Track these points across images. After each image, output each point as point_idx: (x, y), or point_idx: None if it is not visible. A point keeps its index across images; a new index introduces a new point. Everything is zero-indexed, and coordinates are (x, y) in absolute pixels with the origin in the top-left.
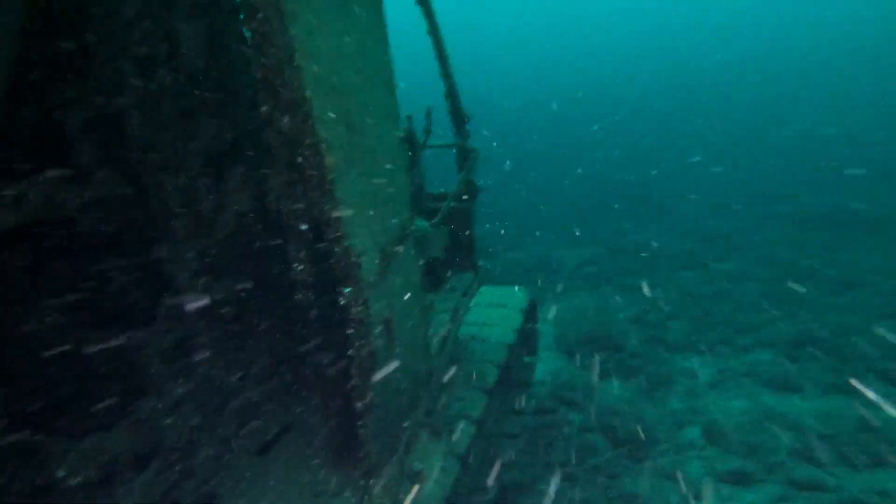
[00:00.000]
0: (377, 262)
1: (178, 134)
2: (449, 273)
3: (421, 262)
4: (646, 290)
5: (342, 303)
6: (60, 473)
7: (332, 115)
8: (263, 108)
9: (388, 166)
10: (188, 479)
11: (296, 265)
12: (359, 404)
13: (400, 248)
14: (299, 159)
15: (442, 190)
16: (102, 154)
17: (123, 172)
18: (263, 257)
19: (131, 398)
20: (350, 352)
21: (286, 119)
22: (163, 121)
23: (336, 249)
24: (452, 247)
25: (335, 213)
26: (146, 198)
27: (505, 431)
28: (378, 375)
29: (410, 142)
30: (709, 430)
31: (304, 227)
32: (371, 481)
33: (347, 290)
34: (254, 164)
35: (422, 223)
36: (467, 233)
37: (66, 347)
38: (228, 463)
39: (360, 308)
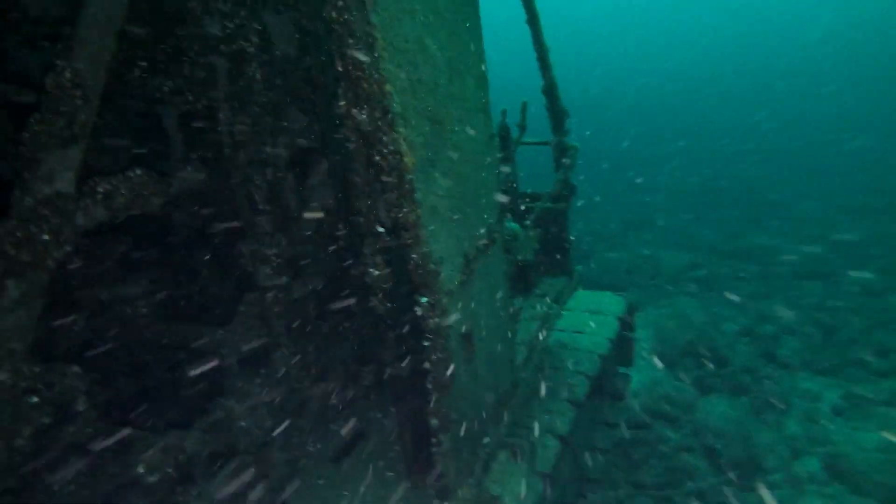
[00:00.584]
0: (459, 268)
1: (267, 128)
2: (540, 277)
3: (509, 266)
4: (760, 299)
5: (418, 313)
6: (140, 469)
7: (414, 110)
8: (342, 103)
9: (476, 165)
10: (262, 481)
11: (371, 269)
12: (434, 421)
13: (485, 254)
14: (377, 157)
15: (535, 190)
16: (193, 149)
17: (212, 167)
18: (345, 258)
19: (210, 397)
20: (426, 365)
21: (364, 114)
22: (252, 115)
23: (413, 255)
24: (545, 249)
25: (413, 217)
26: (233, 193)
27: (593, 445)
28: (455, 391)
29: (503, 138)
30: (833, 464)
31: (380, 229)
32: (445, 502)
33: (424, 299)
34: (339, 160)
35: (512, 225)
36: (562, 235)
37: (151, 341)
38: (303, 468)
39: (437, 319)
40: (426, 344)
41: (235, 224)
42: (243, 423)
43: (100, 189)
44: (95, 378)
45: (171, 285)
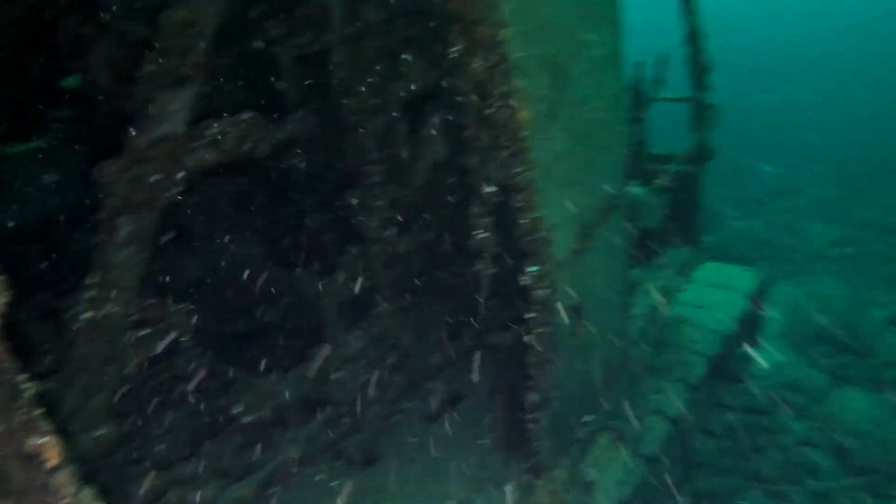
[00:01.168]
0: (573, 236)
1: (381, 74)
2: (664, 246)
3: (630, 234)
4: None
5: (525, 282)
6: (238, 409)
7: (534, 59)
8: (455, 49)
9: (602, 123)
10: (353, 434)
11: (477, 232)
12: (532, 396)
13: (604, 221)
14: (490, 110)
15: (667, 150)
16: (305, 93)
17: (324, 113)
18: (455, 215)
19: (307, 344)
20: (529, 338)
21: (478, 62)
22: (366, 59)
23: (523, 220)
24: (672, 216)
25: (526, 178)
26: (343, 140)
27: (704, 427)
28: (559, 367)
29: (635, 93)
30: None
31: (489, 189)
32: (537, 481)
33: (532, 268)
34: (454, 110)
35: (637, 190)
36: (692, 201)
37: (258, 283)
38: (395, 425)
39: (545, 290)
40: (531, 316)
41: (344, 172)
42: (339, 374)
43: (210, 131)
44: (202, 315)
45: (279, 230)
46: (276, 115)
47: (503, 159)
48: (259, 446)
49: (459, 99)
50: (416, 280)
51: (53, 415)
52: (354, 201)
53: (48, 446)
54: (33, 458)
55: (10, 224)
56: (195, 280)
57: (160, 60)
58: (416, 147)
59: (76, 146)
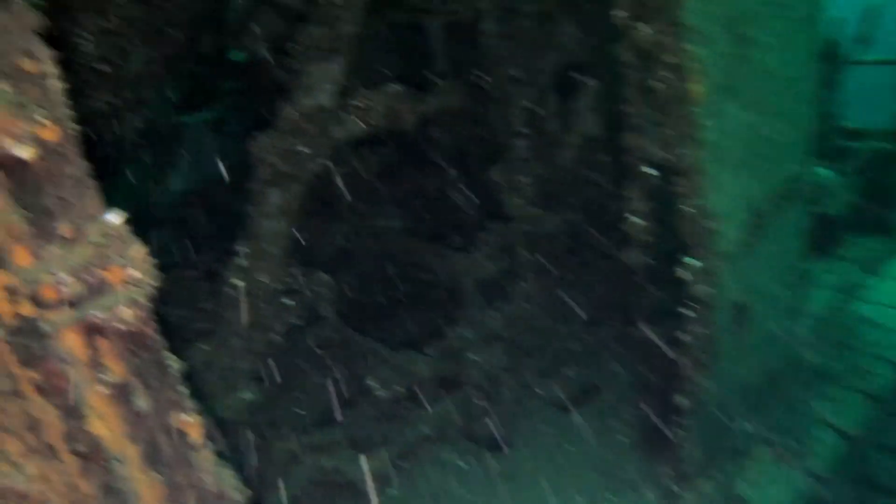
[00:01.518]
0: (743, 227)
1: (533, 42)
2: (850, 236)
3: (810, 223)
4: None
5: (684, 276)
6: (371, 382)
7: (712, 22)
8: (619, 12)
9: (788, 95)
10: (485, 416)
11: (631, 217)
12: (682, 400)
13: (781, 209)
14: (655, 82)
15: (862, 125)
16: (453, 64)
17: (472, 84)
18: (605, 196)
19: (444, 322)
20: (684, 336)
21: (647, 27)
22: (518, 27)
23: (686, 207)
24: (863, 202)
25: (692, 159)
26: (490, 113)
27: (887, 445)
28: (716, 371)
29: (829, 56)
30: None
31: (649, 170)
32: (681, 490)
33: (693, 261)
34: (611, 80)
35: (823, 172)
36: (889, 185)
37: (398, 257)
38: (529, 410)
39: (706, 286)
40: (688, 313)
41: (490, 148)
42: (474, 355)
43: (358, 103)
44: (343, 287)
45: (423, 203)
46: (423, 87)
47: (667, 138)
48: (392, 421)
49: (620, 69)
50: (559, 262)
51: (205, 375)
52: (498, 177)
53: (193, 424)
54: (180, 434)
55: (184, 187)
56: (339, 251)
57: (311, 33)
58: (566, 121)
59: (243, 117)
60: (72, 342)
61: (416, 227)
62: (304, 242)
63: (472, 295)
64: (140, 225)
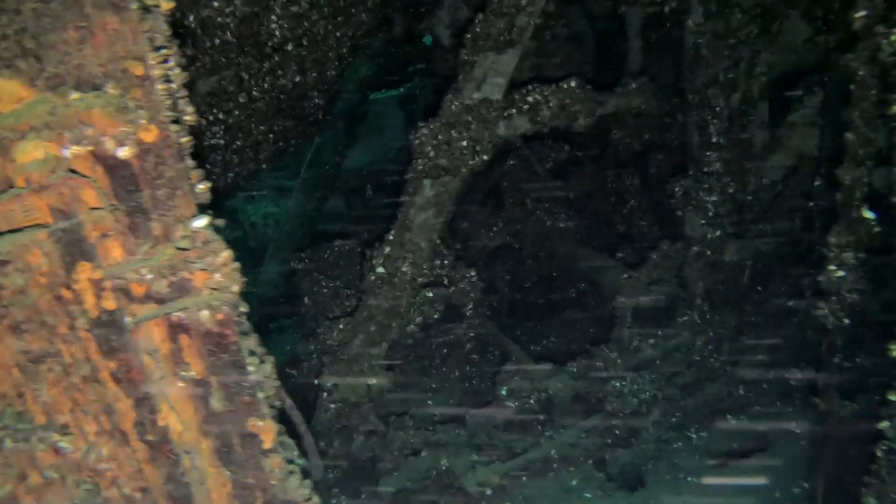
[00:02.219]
0: None
1: (748, 40)
2: None
3: None
4: None
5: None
6: (503, 391)
7: None
8: (860, 13)
9: None
10: (621, 448)
11: (832, 266)
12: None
13: None
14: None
15: None
16: (649, 61)
17: (664, 84)
18: (808, 232)
19: (594, 340)
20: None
21: (890, 33)
22: (731, 21)
23: None
24: None
25: None
26: (683, 119)
27: None
28: None
29: None
30: None
31: (867, 213)
32: None
33: None
34: (841, 94)
35: None
36: None
37: (561, 261)
38: (673, 452)
39: None
40: (893, 400)
41: (676, 156)
42: (620, 384)
43: (528, 98)
44: (496, 285)
45: (598, 209)
46: (608, 85)
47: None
48: (519, 433)
49: (853, 82)
50: (734, 298)
51: (338, 353)
52: (679, 191)
53: (266, 429)
54: (253, 437)
55: (363, 162)
56: (501, 248)
57: (485, 23)
58: (776, 135)
59: (429, 98)
60: (156, 337)
61: (586, 233)
62: (460, 236)
63: (627, 316)
64: (317, 192)
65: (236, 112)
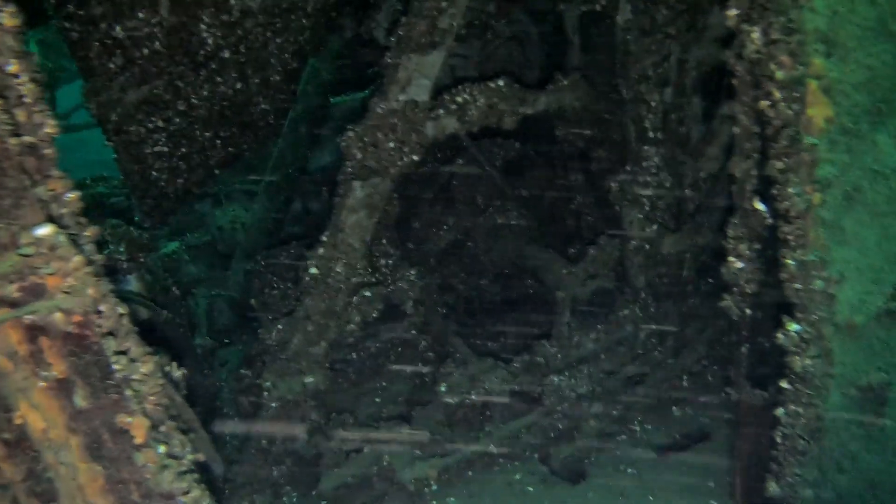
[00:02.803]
0: (878, 296)
1: (677, 35)
2: None
3: None
4: None
5: (783, 343)
6: (441, 387)
7: (848, 27)
8: (730, 11)
9: None
10: (562, 443)
11: (732, 258)
12: (772, 486)
13: None
14: (764, 104)
15: None
16: (587, 56)
17: (598, 81)
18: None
19: (532, 336)
20: (782, 414)
21: (753, 32)
22: (660, 16)
23: (792, 260)
24: None
25: (804, 203)
26: (620, 115)
27: None
28: (821, 466)
29: None
30: None
31: (758, 205)
32: None
33: (795, 327)
34: None
35: None
36: None
37: (507, 259)
38: (616, 446)
39: (810, 360)
40: (786, 387)
41: (617, 151)
42: (558, 379)
43: (457, 99)
44: (441, 284)
45: (545, 205)
46: (541, 84)
47: (777, 171)
48: (460, 428)
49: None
50: (671, 292)
51: (277, 354)
52: (616, 186)
53: (137, 425)
54: (123, 433)
55: (324, 164)
56: (448, 247)
57: (408, 26)
58: (710, 129)
59: None
60: (13, 339)
61: (537, 230)
62: (412, 235)
63: (566, 311)
64: (281, 195)
65: (177, 120)
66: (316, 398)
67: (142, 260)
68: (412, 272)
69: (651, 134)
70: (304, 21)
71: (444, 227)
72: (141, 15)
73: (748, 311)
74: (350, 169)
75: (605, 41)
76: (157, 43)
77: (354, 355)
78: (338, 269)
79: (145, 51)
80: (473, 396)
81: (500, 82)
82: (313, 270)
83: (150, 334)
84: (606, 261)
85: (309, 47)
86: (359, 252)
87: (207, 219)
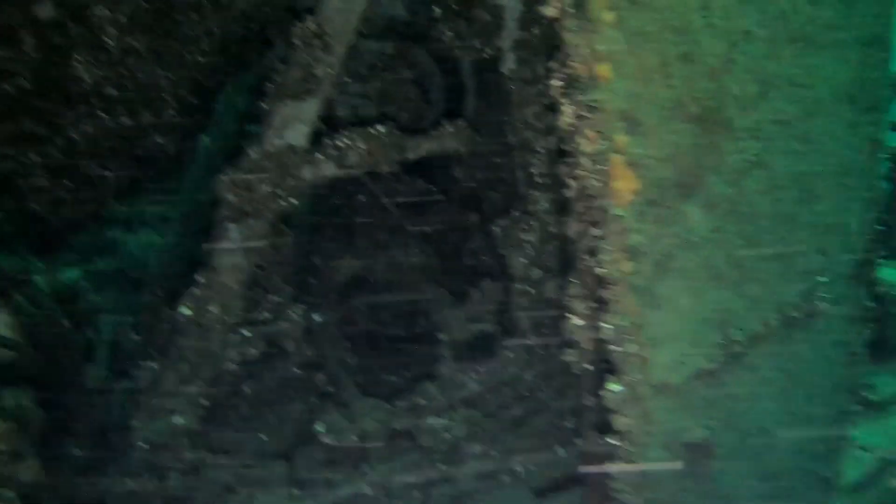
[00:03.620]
0: (702, 354)
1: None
2: None
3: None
4: None
5: (607, 403)
6: (319, 427)
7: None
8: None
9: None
10: (441, 485)
11: (571, 316)
12: None
13: (797, 332)
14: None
15: None
16: (477, 103)
17: (491, 126)
18: None
19: (415, 376)
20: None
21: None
22: (538, 68)
23: (611, 324)
24: None
25: (613, 272)
26: (508, 160)
27: None
28: None
29: None
30: None
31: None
32: None
33: (616, 387)
34: None
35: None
36: None
37: (400, 298)
38: (497, 488)
39: (633, 420)
40: (612, 443)
41: (505, 196)
42: (434, 421)
43: (337, 143)
44: (327, 322)
45: (442, 245)
46: (424, 129)
47: (594, 238)
48: (338, 468)
49: None
50: (551, 333)
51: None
52: (499, 230)
53: None
54: None
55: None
56: (349, 283)
57: (283, 73)
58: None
59: None
60: None
61: (436, 269)
62: (312, 270)
63: (448, 352)
64: (193, 223)
65: (56, 154)
66: (190, 438)
67: (10, 295)
68: (297, 311)
69: (538, 179)
70: (200, 59)
71: (344, 262)
72: (2, 53)
73: (587, 367)
74: (225, 211)
75: (497, 88)
76: (23, 79)
77: (243, 393)
78: (212, 310)
79: (9, 87)
80: (353, 437)
81: (380, 128)
82: (186, 311)
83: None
84: (490, 304)
85: (211, 83)
86: (236, 292)
87: (119, 245)
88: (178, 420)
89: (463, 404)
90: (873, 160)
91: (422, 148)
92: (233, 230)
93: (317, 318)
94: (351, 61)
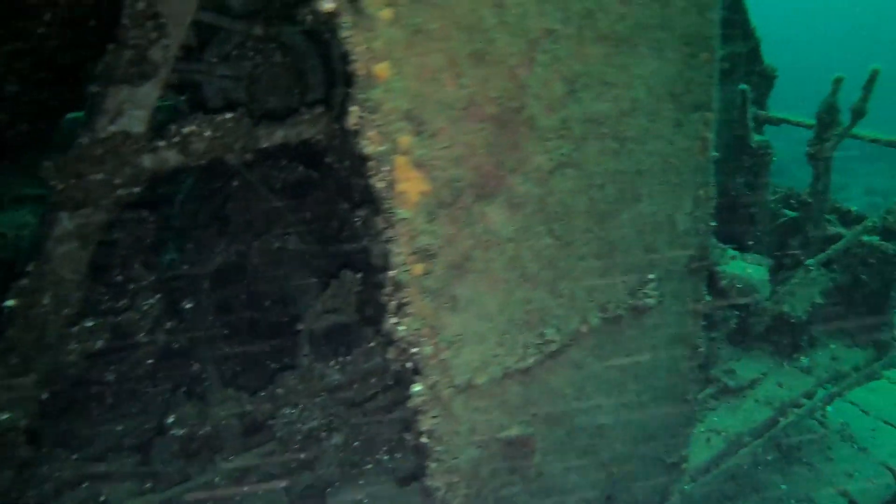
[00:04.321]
0: (506, 353)
1: None
2: (825, 341)
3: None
4: None
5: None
6: (170, 419)
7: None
8: None
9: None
10: (300, 471)
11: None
12: None
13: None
14: None
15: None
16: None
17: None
18: None
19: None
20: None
21: None
22: None
23: (395, 324)
24: (846, 302)
25: (403, 276)
26: None
27: None
28: None
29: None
30: None
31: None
32: None
33: (418, 388)
34: None
35: (751, 270)
36: (884, 285)
37: (270, 286)
38: (359, 477)
39: (437, 421)
40: (422, 443)
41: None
42: (291, 411)
43: (182, 130)
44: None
45: (315, 233)
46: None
47: (384, 241)
48: (190, 460)
49: None
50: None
51: None
52: (358, 220)
53: None
54: None
55: None
56: (223, 269)
57: (114, 56)
58: None
59: None
60: None
61: (312, 255)
62: (186, 256)
63: (306, 342)
64: None
65: None
66: (26, 433)
67: None
68: (152, 299)
69: None
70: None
71: (217, 249)
72: None
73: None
74: (54, 199)
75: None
76: None
77: (93, 386)
78: (45, 301)
79: None
80: (206, 428)
81: (228, 115)
82: (10, 302)
83: None
84: (347, 295)
85: (65, 59)
86: (72, 283)
87: None
88: (5, 416)
89: (325, 394)
90: (702, 158)
91: (275, 136)
92: (63, 218)
93: (187, 305)
94: (218, 44)
